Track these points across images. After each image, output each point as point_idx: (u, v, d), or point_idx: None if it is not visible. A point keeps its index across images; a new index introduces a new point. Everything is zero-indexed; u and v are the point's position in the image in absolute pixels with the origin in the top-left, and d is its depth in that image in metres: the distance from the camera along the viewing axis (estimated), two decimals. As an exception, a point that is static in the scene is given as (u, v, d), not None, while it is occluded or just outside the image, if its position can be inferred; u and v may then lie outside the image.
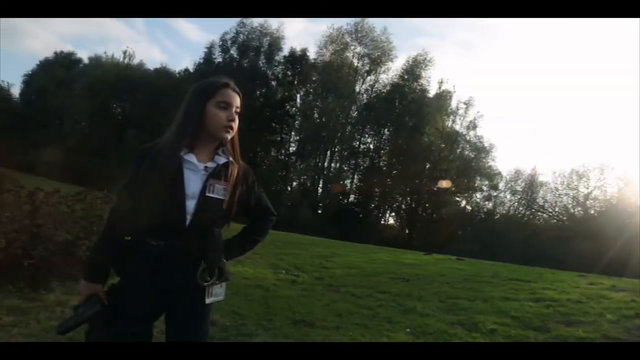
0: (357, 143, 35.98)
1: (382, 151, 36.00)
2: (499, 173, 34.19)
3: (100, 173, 32.32)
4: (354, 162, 35.83)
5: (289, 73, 36.76)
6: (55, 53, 46.67)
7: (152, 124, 35.80)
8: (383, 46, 34.48)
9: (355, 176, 35.86)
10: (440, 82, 35.26)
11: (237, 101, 1.70)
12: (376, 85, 35.61)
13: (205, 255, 1.64)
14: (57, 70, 42.49)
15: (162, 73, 39.13)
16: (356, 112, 35.33)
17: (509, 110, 52.43)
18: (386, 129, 35.66)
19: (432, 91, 34.97)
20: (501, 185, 34.16)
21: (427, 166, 33.78)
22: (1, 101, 44.91)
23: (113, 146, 35.71)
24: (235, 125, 1.70)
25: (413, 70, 34.26)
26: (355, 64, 34.88)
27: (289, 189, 34.79)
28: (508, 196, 34.07)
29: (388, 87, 35.02)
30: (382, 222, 35.43)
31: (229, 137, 1.70)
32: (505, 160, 63.85)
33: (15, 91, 47.06)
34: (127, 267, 1.64)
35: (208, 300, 1.68)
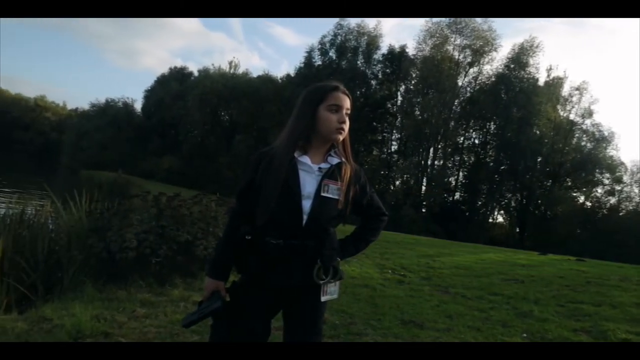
0: (461, 139, 34.61)
1: (489, 146, 34.21)
2: (623, 164, 31.01)
3: (212, 177, 34.70)
4: (458, 158, 34.51)
5: (388, 71, 36.42)
6: (170, 69, 51.15)
7: (258, 129, 37.57)
8: (485, 35, 32.59)
9: (460, 173, 34.53)
10: (550, 69, 32.74)
11: (347, 103, 1.74)
12: (479, 78, 33.92)
13: (321, 254, 1.69)
14: (172, 84, 46.35)
15: (265, 80, 40.79)
16: (459, 107, 33.93)
17: (631, 91, 46.99)
18: (492, 123, 33.87)
19: (542, 79, 32.51)
20: (625, 178, 30.91)
21: (539, 160, 31.43)
22: (127, 116, 49.93)
23: (223, 151, 38.01)
24: (347, 127, 1.74)
25: (519, 58, 31.99)
26: (456, 57, 33.48)
27: (392, 188, 34.43)
28: (635, 190, 30.69)
29: (493, 79, 33.15)
30: (490, 220, 33.65)
31: (341, 138, 1.74)
32: (630, 149, 57.24)
33: (138, 106, 52.14)
34: (247, 265, 1.73)
35: (323, 298, 1.73)
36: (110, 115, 49.52)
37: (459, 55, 33.47)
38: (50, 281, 4.67)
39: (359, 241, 1.90)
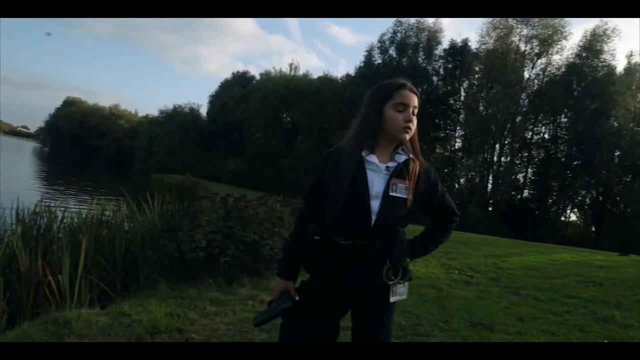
0: (530, 133, 33.03)
1: (560, 140, 32.39)
2: None
3: (275, 178, 35.35)
4: (526, 154, 32.97)
5: (450, 66, 35.49)
6: (233, 73, 52.68)
7: (319, 129, 37.82)
8: (553, 24, 30.62)
9: (529, 169, 32.98)
10: (630, 55, 30.50)
11: (414, 101, 1.71)
12: (548, 69, 32.14)
13: (390, 254, 1.67)
14: (235, 89, 47.68)
15: (325, 80, 40.99)
16: (527, 100, 32.39)
17: None
18: (563, 116, 32.05)
19: (620, 67, 30.21)
20: None
21: (617, 154, 29.32)
22: (193, 120, 51.93)
23: (285, 153, 38.62)
24: (414, 125, 1.71)
25: (592, 45, 29.83)
26: (523, 48, 31.98)
27: (456, 186, 33.51)
28: None
29: (563, 69, 31.25)
30: (563, 218, 31.83)
31: (408, 137, 1.72)
32: None
33: (203, 110, 54.11)
34: (316, 265, 1.74)
35: (392, 299, 1.71)
36: (178, 120, 51.66)
37: (526, 46, 31.95)
38: (127, 279, 4.96)
39: (428, 242, 1.86)
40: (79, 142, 77.25)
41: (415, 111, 1.72)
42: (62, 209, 5.95)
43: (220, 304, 4.05)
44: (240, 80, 50.46)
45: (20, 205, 5.32)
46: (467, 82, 35.16)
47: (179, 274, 4.76)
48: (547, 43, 31.21)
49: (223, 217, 5.00)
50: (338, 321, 1.79)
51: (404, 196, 1.67)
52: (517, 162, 32.77)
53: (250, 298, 4.32)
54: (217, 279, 4.69)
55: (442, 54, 35.81)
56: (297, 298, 1.74)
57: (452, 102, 35.56)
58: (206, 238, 4.60)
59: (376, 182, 1.67)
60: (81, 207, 8.66)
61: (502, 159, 32.77)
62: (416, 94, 1.73)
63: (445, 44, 35.88)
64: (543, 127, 33.38)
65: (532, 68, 32.36)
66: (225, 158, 43.73)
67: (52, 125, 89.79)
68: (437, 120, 34.90)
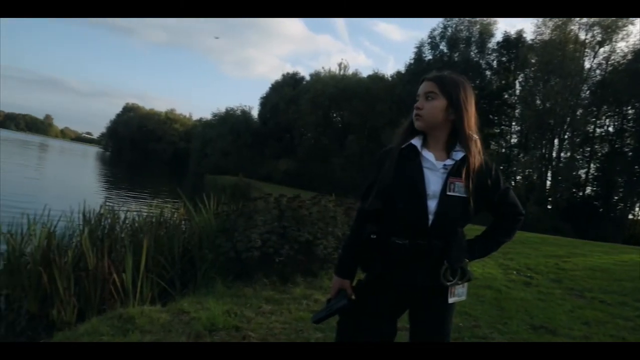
0: (592, 127, 31.31)
1: (626, 133, 30.48)
2: None
3: (326, 178, 35.48)
4: (588, 149, 31.29)
5: (504, 59, 34.29)
6: (283, 75, 53.27)
7: (369, 128, 37.62)
8: (619, 9, 28.98)
9: (592, 165, 31.31)
10: None
11: (423, 88, 1.70)
12: (612, 57, 30.19)
13: (448, 254, 1.62)
14: (285, 90, 48.25)
15: (375, 79, 40.70)
16: (588, 92, 30.68)
17: None
18: (629, 107, 30.18)
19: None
20: None
21: (690, 146, 27.34)
22: (245, 122, 53.01)
23: (336, 152, 38.67)
24: (422, 111, 1.68)
25: (662, 31, 28.00)
26: (583, 37, 30.31)
27: (513, 183, 32.33)
28: None
29: (629, 57, 29.25)
30: (630, 217, 30.01)
31: (418, 124, 1.69)
32: None
33: (255, 112, 55.12)
34: (372, 265, 1.72)
35: (451, 300, 1.67)
36: (230, 123, 52.85)
37: (586, 35, 30.24)
38: (185, 277, 5.13)
39: (489, 241, 1.80)
40: (138, 145, 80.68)
41: (431, 95, 1.68)
42: (124, 210, 6.23)
43: (275, 303, 4.10)
44: (290, 82, 51.03)
45: (87, 207, 5.62)
46: (522, 75, 33.76)
47: (235, 272, 4.86)
48: (610, 30, 29.37)
49: (277, 217, 5.07)
50: (395, 321, 1.77)
51: (462, 195, 1.62)
52: (578, 157, 31.16)
53: (304, 297, 4.35)
54: (271, 278, 4.76)
55: (496, 47, 34.60)
56: (353, 297, 1.73)
57: (506, 96, 34.35)
58: (261, 238, 4.68)
59: (433, 182, 1.63)
60: (141, 208, 9.04)
61: (562, 154, 31.25)
62: (429, 80, 1.70)
63: (498, 36, 34.70)
64: (607, 120, 31.50)
65: (594, 57, 30.58)
66: (277, 158, 44.34)
67: (113, 130, 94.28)
68: (491, 116, 33.79)
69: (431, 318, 1.70)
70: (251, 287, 4.51)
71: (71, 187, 18.44)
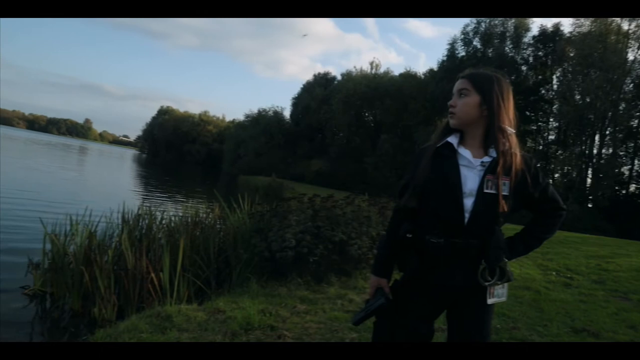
0: (635, 122, 30.13)
1: (674, 128, 29.22)
2: None
3: (359, 177, 35.38)
4: (632, 144, 30.11)
5: (540, 54, 33.37)
6: (314, 75, 53.51)
7: (402, 127, 37.29)
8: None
9: (636, 161, 30.11)
10: None
11: (458, 85, 1.69)
12: (658, 49, 29.08)
13: (485, 253, 1.59)
14: (317, 90, 48.38)
15: (407, 77, 40.33)
16: (632, 85, 29.50)
17: None
18: (677, 100, 28.86)
19: None
20: None
21: None
22: (277, 123, 53.45)
23: (368, 152, 38.50)
24: (456, 108, 1.67)
25: None
26: (626, 27, 29.17)
27: (551, 181, 31.43)
28: None
29: (677, 48, 28.12)
30: (679, 216, 28.71)
31: (453, 121, 1.68)
32: None
33: (286, 113, 55.52)
34: (408, 264, 1.71)
35: (490, 301, 1.63)
36: (263, 124, 53.38)
37: (630, 25, 29.07)
38: (220, 277, 5.20)
39: (530, 239, 1.74)
40: (173, 147, 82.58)
41: (464, 92, 1.67)
42: (161, 211, 6.37)
43: (309, 303, 4.10)
44: (322, 82, 51.17)
45: (125, 208, 5.78)
46: (560, 69, 32.79)
47: (269, 272, 4.89)
48: (655, 20, 28.17)
49: (311, 217, 5.08)
50: (432, 322, 1.75)
51: (502, 193, 1.58)
52: (620, 153, 30.01)
53: (339, 297, 4.34)
54: (305, 277, 4.77)
55: (532, 41, 33.70)
56: (390, 297, 1.71)
57: (543, 92, 33.40)
58: (295, 238, 4.69)
59: (470, 179, 1.60)
60: (177, 208, 9.22)
61: (603, 150, 30.15)
62: (464, 78, 1.69)
63: (534, 30, 33.81)
64: (652, 114, 30.27)
65: (638, 49, 29.42)
66: (309, 159, 44.50)
67: (149, 133, 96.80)
68: (527, 112, 32.94)
69: (469, 319, 1.66)
70: (285, 287, 4.53)
71: (110, 188, 19.00)
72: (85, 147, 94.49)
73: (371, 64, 45.85)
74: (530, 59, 34.05)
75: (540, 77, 33.29)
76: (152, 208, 6.35)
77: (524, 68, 34.15)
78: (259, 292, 4.36)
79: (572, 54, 30.73)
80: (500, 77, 1.69)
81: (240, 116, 67.79)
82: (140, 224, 5.74)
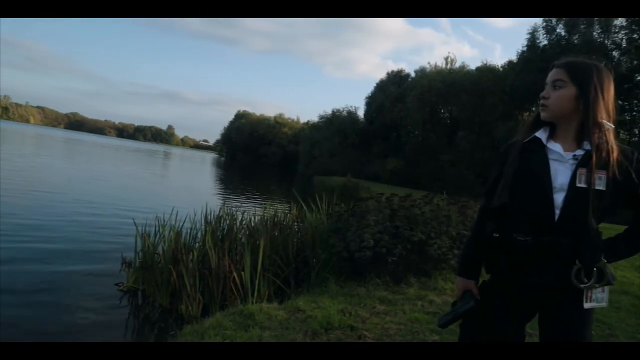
0: None
1: None
2: None
3: (435, 175, 34.57)
4: None
5: (635, 36, 30.72)
6: (388, 73, 53.14)
7: (480, 122, 36.00)
8: None
9: None
10: None
11: (552, 75, 1.57)
12: None
13: (579, 253, 1.46)
14: (391, 88, 47.95)
15: (484, 70, 38.87)
16: None
17: None
18: None
19: None
20: None
21: None
22: (351, 123, 53.58)
23: (444, 149, 37.53)
24: (548, 100, 1.55)
25: None
26: None
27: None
28: None
29: None
30: None
31: (544, 114, 1.57)
32: None
33: (360, 113, 55.48)
34: (495, 264, 1.62)
35: (587, 305, 1.49)
36: (337, 124, 53.76)
37: None
38: (299, 276, 5.27)
39: (634, 239, 1.58)
40: (250, 150, 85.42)
41: (559, 84, 1.54)
42: (241, 212, 6.57)
43: (389, 303, 4.04)
44: (395, 80, 50.66)
45: (207, 210, 6.03)
46: (659, 52, 30.03)
47: (347, 272, 4.88)
48: None
49: (389, 216, 5.00)
50: (523, 325, 1.64)
51: (596, 187, 1.45)
52: None
53: (418, 298, 4.23)
54: (384, 278, 4.71)
55: (624, 23, 31.12)
56: (479, 298, 1.64)
57: (639, 78, 30.72)
58: (373, 237, 4.64)
59: (561, 173, 1.49)
60: (256, 209, 9.48)
61: None
62: (559, 67, 1.56)
63: (629, 11, 31.16)
64: None
65: None
66: (384, 158, 44.19)
67: (227, 137, 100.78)
68: (620, 102, 30.46)
69: (562, 324, 1.54)
70: (364, 287, 4.50)
71: (193, 190, 19.96)
72: (169, 152, 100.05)
73: (446, 59, 44.87)
74: (624, 42, 31.38)
75: (635, 62, 30.61)
76: (233, 209, 6.57)
77: (615, 54, 31.60)
78: (338, 292, 4.36)
79: (672, 35, 28.01)
80: (601, 67, 1.57)
81: (314, 117, 68.65)
82: (221, 224, 5.95)
